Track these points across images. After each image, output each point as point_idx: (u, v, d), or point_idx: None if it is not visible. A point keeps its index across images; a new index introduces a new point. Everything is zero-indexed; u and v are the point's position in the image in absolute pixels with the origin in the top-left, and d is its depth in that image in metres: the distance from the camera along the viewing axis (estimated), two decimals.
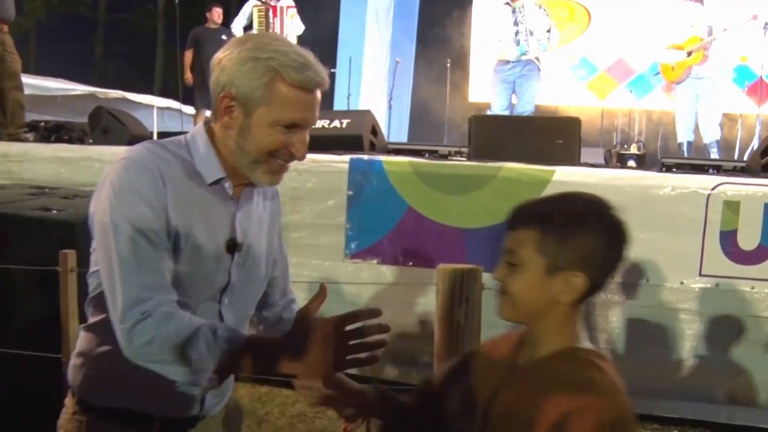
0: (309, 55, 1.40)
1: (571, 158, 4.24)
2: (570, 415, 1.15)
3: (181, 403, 1.48)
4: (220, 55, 1.40)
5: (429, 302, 3.96)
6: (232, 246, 1.46)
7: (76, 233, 3.22)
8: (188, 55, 8.36)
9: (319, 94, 1.41)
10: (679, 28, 7.03)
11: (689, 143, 7.01)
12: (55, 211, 3.41)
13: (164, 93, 16.76)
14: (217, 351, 1.27)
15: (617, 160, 5.05)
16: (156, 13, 23.72)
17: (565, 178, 3.89)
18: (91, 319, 1.48)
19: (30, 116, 7.05)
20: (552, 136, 4.29)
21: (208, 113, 8.45)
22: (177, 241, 1.38)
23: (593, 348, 1.31)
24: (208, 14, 8.46)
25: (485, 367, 1.39)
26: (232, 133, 1.40)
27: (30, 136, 5.94)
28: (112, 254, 1.32)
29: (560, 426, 1.15)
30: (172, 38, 21.16)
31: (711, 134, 6.83)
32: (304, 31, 7.73)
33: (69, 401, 1.52)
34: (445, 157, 4.50)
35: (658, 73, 7.48)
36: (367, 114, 4.74)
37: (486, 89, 9.48)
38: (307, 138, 1.44)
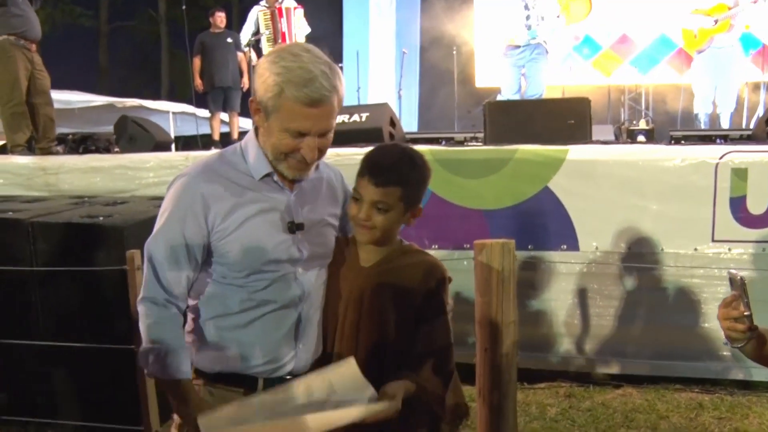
0: (318, 68, 1.57)
1: (584, 137, 4.42)
2: (437, 285, 1.76)
3: (276, 364, 1.73)
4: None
5: (459, 282, 4.17)
6: (293, 226, 1.70)
7: (124, 236, 3.45)
8: (196, 62, 8.55)
9: (327, 106, 1.60)
10: None
11: (707, 115, 7.01)
12: (101, 218, 3.64)
13: (172, 96, 16.96)
14: (155, 368, 1.65)
15: (627, 135, 5.19)
16: (157, 18, 23.91)
17: (579, 156, 4.08)
18: (190, 303, 1.76)
19: None
20: (564, 117, 4.46)
21: (223, 115, 8.67)
22: (230, 234, 1.65)
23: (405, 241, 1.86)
24: (211, 19, 8.64)
25: (344, 279, 1.80)
26: (262, 132, 1.66)
27: (59, 148, 6.17)
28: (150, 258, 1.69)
29: (432, 293, 1.75)
30: (176, 42, 21.41)
31: (727, 105, 6.83)
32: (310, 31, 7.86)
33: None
34: (461, 143, 4.68)
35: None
36: (385, 107, 4.93)
37: (493, 74, 9.62)
38: (317, 143, 1.63)
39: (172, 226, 1.65)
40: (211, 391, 1.73)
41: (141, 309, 1.67)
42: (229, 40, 8.49)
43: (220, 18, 8.59)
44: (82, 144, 6.37)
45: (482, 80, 10.49)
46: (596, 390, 4.03)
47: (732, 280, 1.58)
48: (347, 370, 1.60)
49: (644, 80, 9.82)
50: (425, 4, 11.03)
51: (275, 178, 1.70)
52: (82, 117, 9.87)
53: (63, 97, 8.78)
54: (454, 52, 9.68)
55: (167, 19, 23.17)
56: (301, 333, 1.75)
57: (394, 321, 1.75)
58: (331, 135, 1.69)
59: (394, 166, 1.71)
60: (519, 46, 6.58)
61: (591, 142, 4.45)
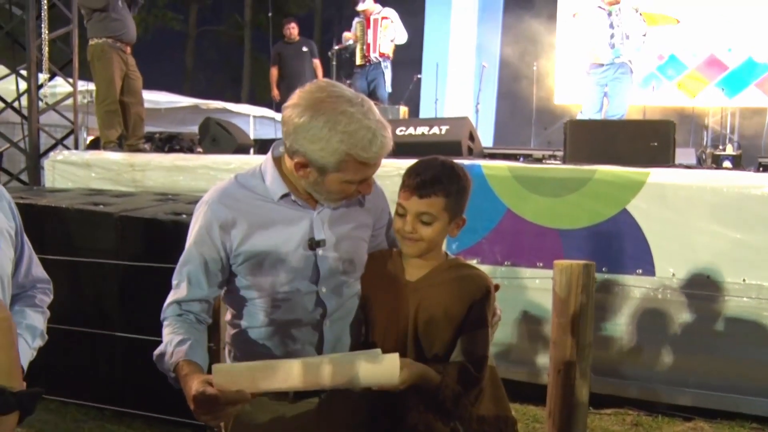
0: (372, 120, 1.60)
1: (666, 160, 4.32)
2: (482, 297, 1.73)
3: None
4: (291, 112, 1.61)
5: (530, 300, 4.14)
6: (313, 243, 1.73)
7: None
8: (273, 72, 8.86)
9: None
10: None
11: None
12: (184, 216, 3.78)
13: (252, 100, 17.40)
14: (164, 364, 1.62)
15: (712, 161, 5.04)
16: (242, 24, 24.62)
17: (661, 179, 3.98)
18: (227, 315, 1.84)
19: None
20: (646, 139, 4.37)
21: None
22: (248, 258, 1.69)
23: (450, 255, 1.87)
24: (285, 30, 8.89)
25: (388, 293, 1.80)
26: (307, 181, 1.67)
27: (147, 146, 6.46)
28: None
29: (475, 305, 1.73)
30: (259, 47, 21.95)
31: None
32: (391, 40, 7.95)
33: None
34: (539, 160, 4.65)
35: None
36: (464, 120, 4.95)
37: (572, 92, 9.51)
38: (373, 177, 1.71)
39: (192, 253, 1.71)
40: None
41: (164, 326, 1.71)
42: (305, 48, 8.74)
43: (291, 29, 8.83)
44: (167, 143, 6.65)
45: (561, 98, 10.36)
46: (665, 420, 3.92)
47: None
48: (388, 363, 1.56)
49: (730, 103, 9.48)
50: (507, 19, 10.99)
51: (294, 197, 1.73)
52: (168, 117, 10.25)
53: (151, 97, 9.16)
54: (534, 68, 9.60)
55: (252, 25, 23.83)
56: (325, 351, 1.76)
57: (443, 339, 1.76)
58: None
59: (436, 177, 1.73)
60: (603, 65, 6.47)
61: (674, 165, 4.34)
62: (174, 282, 1.74)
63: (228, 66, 26.42)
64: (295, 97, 1.64)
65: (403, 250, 1.80)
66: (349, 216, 1.81)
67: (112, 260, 3.75)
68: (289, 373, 1.50)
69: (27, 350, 1.67)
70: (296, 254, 1.72)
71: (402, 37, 7.88)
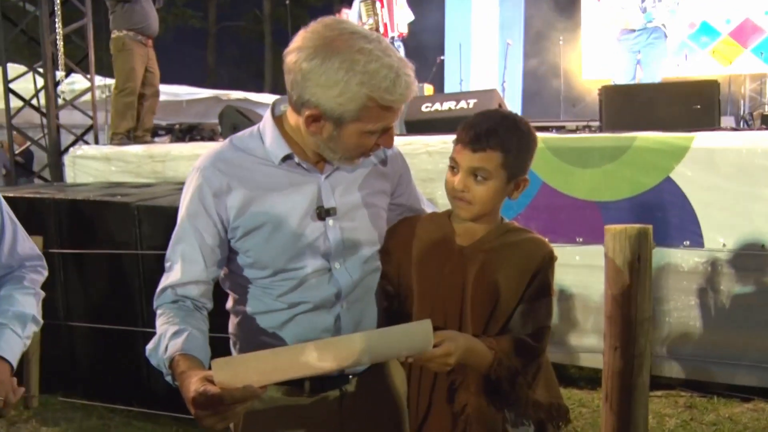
0: (396, 58, 1.37)
1: (711, 123, 4.04)
2: (542, 263, 1.55)
3: None
4: (297, 56, 1.37)
5: (571, 277, 3.92)
6: (322, 212, 1.49)
7: None
8: None
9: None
10: None
11: None
12: None
13: (275, 92, 17.34)
14: (156, 357, 1.39)
15: (762, 122, 4.72)
16: (262, 18, 24.56)
17: (706, 144, 3.71)
18: (228, 303, 1.62)
19: (162, 120, 7.54)
20: (688, 102, 4.09)
21: None
22: (248, 230, 1.47)
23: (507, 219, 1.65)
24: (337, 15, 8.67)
25: (433, 255, 1.59)
26: (320, 137, 1.43)
27: (166, 138, 6.36)
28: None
29: (537, 273, 1.54)
30: (279, 40, 21.92)
31: None
32: (412, 22, 7.74)
33: None
34: (573, 132, 4.40)
35: None
36: (493, 93, 4.72)
37: (600, 66, 9.19)
38: (395, 128, 1.46)
39: (185, 228, 1.48)
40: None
41: (157, 316, 1.48)
42: None
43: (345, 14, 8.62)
44: (188, 134, 6.52)
45: (589, 72, 10.04)
46: (721, 402, 3.67)
47: None
48: (420, 332, 1.34)
49: None
50: None
51: (297, 159, 1.49)
52: (189, 110, 10.16)
53: (171, 90, 9.08)
54: (561, 42, 9.31)
55: (272, 18, 23.74)
56: (343, 334, 1.51)
57: (504, 313, 1.54)
58: None
59: (494, 129, 1.50)
60: (634, 30, 6.16)
61: (720, 128, 4.06)
62: (166, 264, 1.50)
63: (249, 61, 26.40)
64: (299, 39, 1.38)
65: (455, 211, 1.57)
66: (363, 181, 1.57)
67: (132, 250, 3.61)
68: (302, 358, 1.27)
69: (17, 341, 1.51)
70: (303, 225, 1.48)
71: (410, 15, 7.66)
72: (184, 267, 1.47)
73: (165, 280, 1.49)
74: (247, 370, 1.24)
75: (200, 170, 1.49)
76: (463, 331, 1.51)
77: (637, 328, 1.71)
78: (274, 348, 1.35)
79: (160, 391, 3.54)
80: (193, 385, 1.23)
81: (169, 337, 1.37)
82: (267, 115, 1.55)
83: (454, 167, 1.54)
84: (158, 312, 1.46)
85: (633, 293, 1.70)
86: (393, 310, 1.62)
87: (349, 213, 1.53)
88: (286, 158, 1.49)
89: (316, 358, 1.27)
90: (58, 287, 3.81)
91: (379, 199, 1.60)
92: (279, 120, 1.53)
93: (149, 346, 1.41)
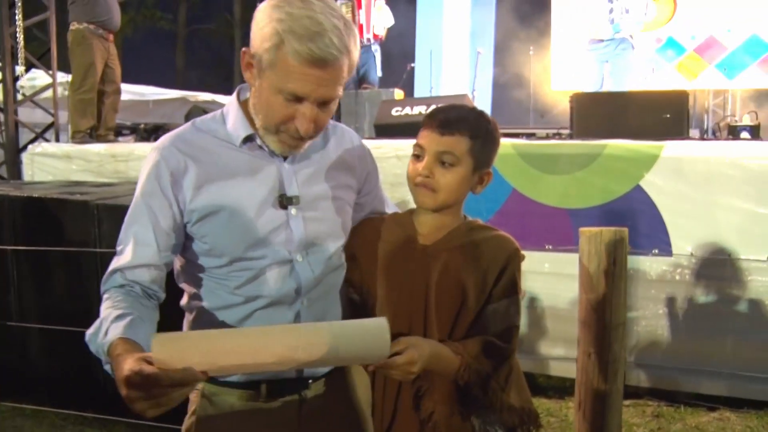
0: (330, 22, 1.28)
1: (680, 133, 4.06)
2: (509, 260, 1.49)
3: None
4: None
5: (540, 284, 3.88)
6: (284, 200, 1.42)
7: None
8: None
9: (333, 69, 1.30)
10: None
11: None
12: None
13: None
14: (95, 343, 1.27)
15: (729, 132, 4.77)
16: (233, 22, 24.36)
17: (676, 153, 3.73)
18: (183, 299, 1.53)
19: (127, 120, 7.37)
20: (658, 111, 4.11)
21: None
22: (204, 213, 1.38)
23: (471, 217, 1.59)
24: None
25: (396, 257, 1.52)
26: (253, 92, 1.38)
27: (130, 138, 6.20)
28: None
29: (504, 271, 1.47)
30: (249, 44, 21.78)
31: None
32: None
33: None
34: (544, 139, 4.39)
35: None
36: (464, 98, 4.69)
37: (569, 77, 9.25)
38: (315, 113, 1.33)
39: (140, 208, 1.39)
40: (210, 399, 1.45)
41: (103, 301, 1.36)
42: None
43: None
44: (153, 134, 6.37)
45: (558, 83, 10.10)
46: (687, 411, 3.66)
47: None
48: (375, 328, 1.26)
49: (731, 85, 9.28)
50: (501, 4, 10.74)
51: (259, 141, 1.42)
52: (156, 111, 9.96)
53: (138, 90, 8.89)
54: (531, 53, 9.35)
55: (242, 22, 23.56)
56: None
57: (469, 314, 1.48)
58: (333, 107, 1.38)
59: (463, 116, 1.48)
60: (603, 40, 6.20)
61: (689, 138, 4.09)
62: (118, 248, 1.41)
63: (219, 64, 26.14)
64: None
65: (417, 201, 1.50)
66: (328, 172, 1.50)
67: (90, 249, 3.48)
68: (253, 344, 1.18)
69: None
70: (263, 212, 1.40)
71: (390, 19, 7.63)
72: (136, 249, 1.37)
73: (115, 263, 1.39)
74: (189, 350, 1.13)
75: (158, 149, 1.42)
76: (428, 334, 1.45)
77: (611, 333, 1.67)
78: (223, 329, 1.26)
79: (115, 396, 3.41)
80: (128, 364, 1.12)
81: (110, 321, 1.26)
82: (232, 98, 1.48)
83: (418, 155, 1.48)
84: (104, 297, 1.35)
85: (608, 298, 1.66)
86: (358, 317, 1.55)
87: (312, 203, 1.46)
88: (248, 139, 1.42)
89: (266, 349, 1.18)
90: (11, 287, 3.65)
91: (344, 193, 1.53)
92: (244, 103, 1.46)
93: (89, 331, 1.29)
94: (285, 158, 1.45)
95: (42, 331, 3.60)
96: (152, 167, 1.40)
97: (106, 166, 5.18)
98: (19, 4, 6.26)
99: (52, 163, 5.40)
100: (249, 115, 1.43)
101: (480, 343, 1.43)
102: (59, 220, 3.64)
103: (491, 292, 1.47)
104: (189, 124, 1.47)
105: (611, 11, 6.14)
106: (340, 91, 1.36)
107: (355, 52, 1.34)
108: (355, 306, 1.56)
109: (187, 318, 1.51)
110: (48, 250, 3.54)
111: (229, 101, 1.48)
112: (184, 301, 1.52)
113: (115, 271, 1.38)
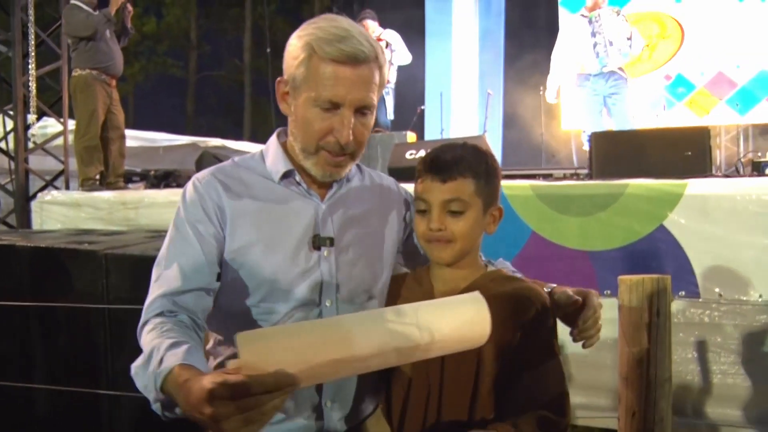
0: (357, 30, 1.31)
1: (703, 170, 3.95)
2: (541, 317, 1.38)
3: (298, 422, 1.36)
4: None
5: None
6: (318, 240, 1.37)
7: None
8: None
9: (364, 68, 1.29)
10: None
11: None
12: None
13: (254, 140, 17.33)
14: (143, 376, 1.13)
15: (753, 168, 4.66)
16: (242, 68, 24.69)
17: (700, 190, 3.61)
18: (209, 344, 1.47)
19: (137, 167, 7.34)
20: (680, 148, 4.01)
21: None
22: (236, 248, 1.34)
23: (495, 266, 1.52)
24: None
25: None
26: (290, 120, 1.38)
27: (140, 185, 6.15)
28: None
29: (537, 329, 1.36)
30: (259, 90, 22.00)
31: None
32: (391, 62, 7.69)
33: None
34: (561, 179, 4.29)
35: None
36: (480, 139, 4.61)
37: (579, 117, 9.21)
38: (353, 122, 1.32)
39: (184, 231, 1.32)
40: None
41: (145, 332, 1.22)
42: None
43: None
44: (163, 180, 6.32)
45: (568, 123, 10.06)
46: None
47: None
48: (471, 301, 1.18)
49: (743, 120, 9.21)
50: (509, 45, 10.78)
51: (298, 178, 1.40)
52: (166, 157, 9.97)
53: (148, 136, 8.89)
54: (541, 93, 9.32)
55: (252, 68, 23.87)
56: (327, 387, 1.35)
57: (489, 370, 1.35)
58: (370, 120, 1.36)
59: (460, 156, 1.40)
60: (590, 75, 6.11)
61: (713, 175, 3.98)
62: (154, 274, 1.30)
63: (229, 110, 26.46)
64: None
65: (433, 257, 1.41)
66: (369, 215, 1.45)
67: (98, 303, 3.38)
68: (344, 334, 1.03)
69: None
70: (295, 251, 1.34)
71: (406, 57, 7.61)
72: (183, 273, 1.27)
73: (157, 289, 1.27)
74: (279, 348, 0.97)
75: (199, 179, 1.40)
76: (445, 392, 1.33)
77: (657, 390, 1.54)
78: (303, 321, 1.19)
79: None
80: (207, 378, 0.95)
81: (164, 349, 1.11)
82: (272, 138, 1.47)
83: (424, 210, 1.39)
84: (147, 326, 1.22)
85: (652, 351, 1.53)
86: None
87: (349, 246, 1.40)
88: (287, 175, 1.40)
89: (358, 332, 1.04)
90: (15, 344, 3.54)
91: (382, 239, 1.47)
92: (283, 144, 1.45)
93: (136, 364, 1.15)
94: (323, 200, 1.41)
95: (46, 392, 3.48)
96: (195, 195, 1.37)
97: (116, 213, 5.11)
98: (33, 54, 6.29)
99: (61, 211, 5.34)
100: (288, 153, 1.42)
101: (534, 421, 1.30)
102: (66, 271, 3.54)
103: (524, 355, 1.34)
104: (229, 160, 1.47)
105: (595, 45, 6.07)
106: (375, 100, 1.34)
107: (384, 66, 1.34)
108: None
109: (211, 364, 1.42)
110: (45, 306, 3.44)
111: (269, 141, 1.47)
112: (209, 345, 1.44)
113: (159, 296, 1.27)
